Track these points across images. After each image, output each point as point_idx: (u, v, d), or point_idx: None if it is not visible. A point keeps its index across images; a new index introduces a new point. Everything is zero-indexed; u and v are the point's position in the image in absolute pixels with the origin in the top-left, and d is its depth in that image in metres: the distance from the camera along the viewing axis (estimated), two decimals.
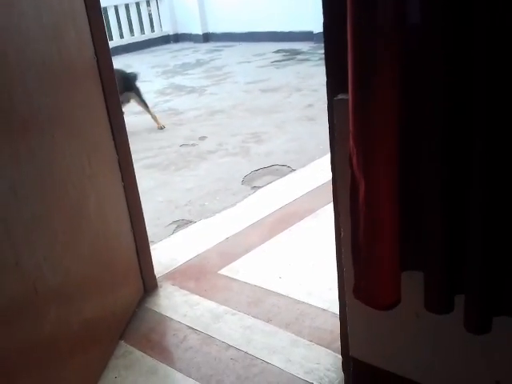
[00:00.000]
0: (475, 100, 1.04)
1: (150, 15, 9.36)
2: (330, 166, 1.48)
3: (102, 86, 1.97)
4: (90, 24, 1.87)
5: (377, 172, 1.19)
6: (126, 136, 2.12)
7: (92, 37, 1.90)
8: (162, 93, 6.08)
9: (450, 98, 1.09)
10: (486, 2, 0.96)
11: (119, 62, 8.06)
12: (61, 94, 1.67)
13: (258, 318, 2.06)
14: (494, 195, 1.08)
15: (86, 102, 1.87)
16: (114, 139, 2.05)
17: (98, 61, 1.93)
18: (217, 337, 1.97)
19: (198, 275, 2.40)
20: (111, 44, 7.86)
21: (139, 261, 2.19)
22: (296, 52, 7.24)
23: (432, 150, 1.13)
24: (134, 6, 8.96)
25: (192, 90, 6.04)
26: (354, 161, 1.24)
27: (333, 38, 1.32)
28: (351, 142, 1.22)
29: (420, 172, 1.18)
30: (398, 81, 1.14)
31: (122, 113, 2.11)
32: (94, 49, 1.92)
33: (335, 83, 1.37)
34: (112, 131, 2.04)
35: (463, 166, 1.10)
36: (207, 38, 9.12)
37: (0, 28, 1.33)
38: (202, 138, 4.37)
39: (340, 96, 1.34)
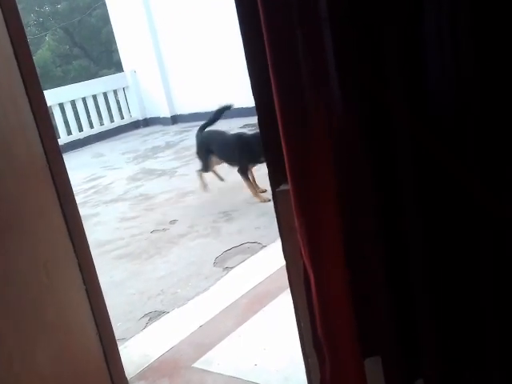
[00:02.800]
0: (404, 184, 1.06)
1: (118, 103, 9.59)
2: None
3: (57, 191, 1.98)
4: (39, 133, 1.90)
5: (324, 264, 1.19)
6: (85, 238, 2.10)
7: (42, 144, 1.92)
8: (133, 178, 6.13)
9: (381, 175, 1.12)
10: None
11: (90, 152, 8.18)
12: (13, 206, 1.67)
13: None
14: (437, 272, 1.08)
15: (40, 209, 1.87)
16: (72, 242, 2.03)
17: (50, 167, 1.95)
18: None
19: (171, 371, 2.31)
20: (81, 135, 7.94)
21: (108, 366, 2.11)
22: None
23: (373, 234, 1.15)
24: (102, 96, 9.19)
25: (162, 173, 6.10)
26: (303, 251, 1.24)
27: (267, 131, 1.36)
28: (298, 234, 1.23)
29: (366, 258, 1.19)
30: (334, 173, 1.17)
31: (79, 215, 2.09)
32: (46, 156, 1.93)
33: (277, 174, 1.39)
34: (69, 235, 2.02)
35: (404, 244, 1.12)
36: (175, 119, 9.33)
37: None
38: (173, 222, 4.36)
39: (282, 187, 1.36)
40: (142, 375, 2.31)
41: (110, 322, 2.15)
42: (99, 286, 2.14)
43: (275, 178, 1.40)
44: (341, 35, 1.08)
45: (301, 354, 2.18)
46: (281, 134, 1.17)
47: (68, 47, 16.25)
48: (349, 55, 1.09)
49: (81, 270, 2.04)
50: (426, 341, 1.10)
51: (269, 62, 1.12)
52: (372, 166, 1.12)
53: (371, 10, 1.04)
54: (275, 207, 1.42)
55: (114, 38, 10.20)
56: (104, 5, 10.90)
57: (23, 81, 1.84)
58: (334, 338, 1.22)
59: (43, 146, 1.91)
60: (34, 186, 1.86)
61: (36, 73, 1.92)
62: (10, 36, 1.80)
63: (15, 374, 1.54)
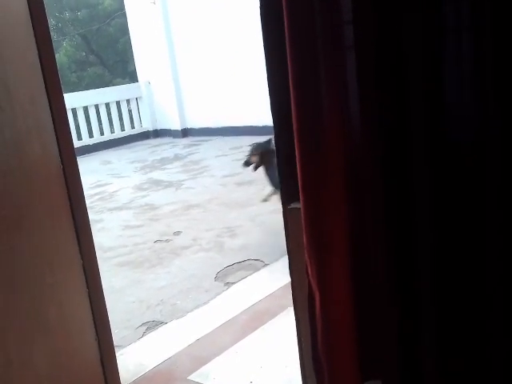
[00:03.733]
0: (417, 194, 1.07)
1: (130, 112, 9.67)
2: None
3: (68, 194, 1.99)
4: (56, 135, 1.92)
5: (331, 282, 1.20)
6: (92, 241, 2.11)
7: (58, 146, 1.94)
8: (139, 188, 6.15)
9: (395, 201, 1.13)
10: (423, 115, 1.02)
11: (98, 159, 8.23)
12: (22, 204, 1.69)
13: None
14: (445, 297, 1.08)
15: (50, 209, 1.88)
16: (78, 244, 2.04)
17: (63, 169, 1.97)
18: None
19: (166, 382, 2.30)
20: (91, 141, 7.99)
21: (104, 372, 2.10)
22: None
23: (382, 260, 1.15)
24: (115, 104, 9.27)
25: (169, 185, 6.12)
26: (309, 270, 1.25)
27: (283, 148, 1.38)
28: (306, 252, 1.24)
29: (374, 279, 1.19)
30: (346, 191, 1.19)
31: (88, 219, 2.11)
32: (61, 158, 1.96)
33: (289, 192, 1.40)
34: (77, 237, 2.03)
35: (413, 272, 1.12)
36: (186, 133, 9.39)
37: None
38: (177, 233, 4.37)
39: (293, 205, 1.37)
40: None
41: (110, 328, 2.14)
42: (102, 291, 2.14)
43: (287, 196, 1.41)
44: (364, 63, 1.11)
45: (297, 374, 2.17)
46: (296, 152, 1.19)
47: (84, 54, 16.45)
48: (370, 82, 1.11)
49: (85, 273, 2.05)
50: (430, 369, 1.10)
51: (290, 80, 1.14)
52: (386, 193, 1.13)
53: (397, 40, 1.06)
54: (285, 224, 1.43)
55: (130, 48, 10.34)
56: (123, 15, 11.08)
57: (45, 82, 1.87)
58: (335, 357, 1.22)
59: (59, 148, 1.93)
60: (46, 186, 1.87)
61: (58, 75, 1.95)
62: (35, 37, 1.83)
63: (13, 372, 1.54)
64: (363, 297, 1.19)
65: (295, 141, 1.16)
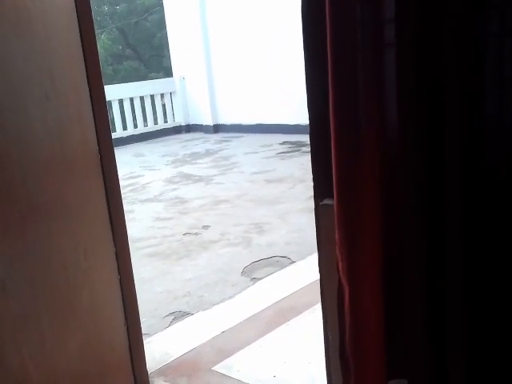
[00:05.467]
0: (450, 202, 1.08)
1: (163, 107, 9.79)
2: None
3: (104, 182, 2.05)
4: (95, 125, 1.98)
5: (361, 280, 1.21)
6: (125, 229, 2.16)
7: (97, 136, 2.00)
8: (170, 181, 6.23)
9: (428, 208, 1.13)
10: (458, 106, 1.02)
11: (131, 151, 8.36)
12: (61, 191, 1.74)
13: None
14: (472, 305, 1.08)
15: (87, 197, 1.94)
16: (112, 232, 2.09)
17: (101, 158, 2.02)
18: None
19: (191, 371, 2.34)
20: (125, 133, 8.13)
21: (131, 357, 2.15)
22: (301, 144, 7.46)
23: (413, 261, 1.16)
24: (149, 98, 9.40)
25: (199, 179, 6.19)
26: (340, 266, 1.26)
27: (318, 144, 1.39)
28: (337, 248, 1.25)
29: (403, 278, 1.20)
30: (380, 189, 1.19)
31: (122, 207, 2.16)
32: (99, 147, 2.01)
33: (322, 188, 1.42)
34: (111, 225, 2.08)
35: (443, 277, 1.12)
36: (217, 128, 9.46)
37: (5, 130, 1.42)
38: (206, 227, 4.42)
39: (326, 201, 1.38)
40: (162, 372, 2.34)
41: (139, 315, 2.19)
42: (132, 278, 2.19)
43: (319, 192, 1.42)
44: (404, 64, 1.11)
45: (320, 372, 2.19)
46: (332, 146, 1.20)
47: (121, 47, 16.71)
48: (411, 84, 1.11)
49: (117, 259, 2.10)
50: (456, 370, 1.10)
51: (329, 79, 1.15)
52: (419, 197, 1.13)
53: (438, 48, 1.06)
54: (316, 220, 1.44)
55: (166, 43, 10.46)
56: (161, 10, 11.21)
57: (87, 73, 1.93)
58: (362, 354, 1.23)
59: (97, 137, 1.98)
60: (83, 174, 1.93)
61: (99, 67, 2.00)
62: (79, 29, 1.88)
63: (46, 352, 1.60)
64: (392, 294, 1.19)
65: (332, 138, 1.17)
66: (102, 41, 15.81)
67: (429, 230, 1.12)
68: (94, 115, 1.96)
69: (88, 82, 1.95)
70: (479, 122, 1.03)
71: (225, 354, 2.46)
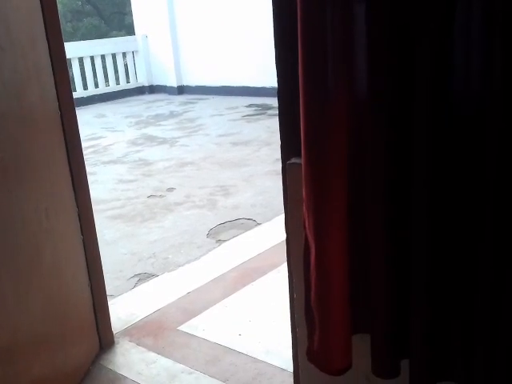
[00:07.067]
0: (416, 158, 1.09)
1: (125, 66, 9.52)
2: None
3: (65, 140, 1.98)
4: (55, 80, 1.90)
5: (327, 235, 1.21)
6: (88, 189, 2.11)
7: (57, 92, 1.92)
8: (133, 143, 6.12)
9: (395, 163, 1.14)
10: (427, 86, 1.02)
11: (92, 112, 8.14)
12: (20, 148, 1.68)
13: (214, 377, 2.02)
14: (436, 259, 1.11)
15: (47, 155, 1.88)
16: (74, 192, 2.04)
17: (61, 115, 1.95)
18: None
19: (156, 331, 2.35)
20: (86, 93, 7.89)
21: (96, 317, 2.14)
22: (267, 107, 7.42)
23: (378, 215, 1.17)
24: (110, 56, 9.12)
25: (163, 141, 6.10)
26: (307, 223, 1.27)
27: (286, 103, 1.38)
28: (304, 205, 1.25)
29: (368, 236, 1.21)
30: (348, 146, 1.19)
31: (84, 166, 2.11)
32: (58, 103, 1.94)
33: (289, 147, 1.41)
34: (73, 184, 2.03)
35: (407, 231, 1.14)
36: (182, 90, 9.28)
37: None
38: (170, 190, 4.38)
39: (293, 160, 1.38)
40: (128, 332, 2.34)
41: (103, 275, 2.17)
42: (96, 239, 2.16)
43: (287, 151, 1.42)
44: (374, 19, 1.09)
45: (285, 329, 2.23)
46: (301, 103, 1.18)
47: (80, 3, 16.03)
48: (380, 41, 1.09)
49: (80, 220, 2.06)
50: (418, 325, 1.14)
51: (299, 38, 1.13)
52: (387, 154, 1.13)
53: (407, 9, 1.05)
54: (283, 180, 1.44)
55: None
56: None
57: (45, 25, 1.84)
58: (327, 308, 1.25)
59: (57, 93, 1.91)
60: (43, 131, 1.86)
61: (59, 21, 1.92)
62: None
63: (7, 309, 1.56)
64: (358, 251, 1.21)
65: (300, 94, 1.16)
66: None
67: (394, 185, 1.13)
68: (53, 71, 1.89)
69: (47, 37, 1.86)
70: (448, 76, 1.03)
71: (190, 314, 2.48)
